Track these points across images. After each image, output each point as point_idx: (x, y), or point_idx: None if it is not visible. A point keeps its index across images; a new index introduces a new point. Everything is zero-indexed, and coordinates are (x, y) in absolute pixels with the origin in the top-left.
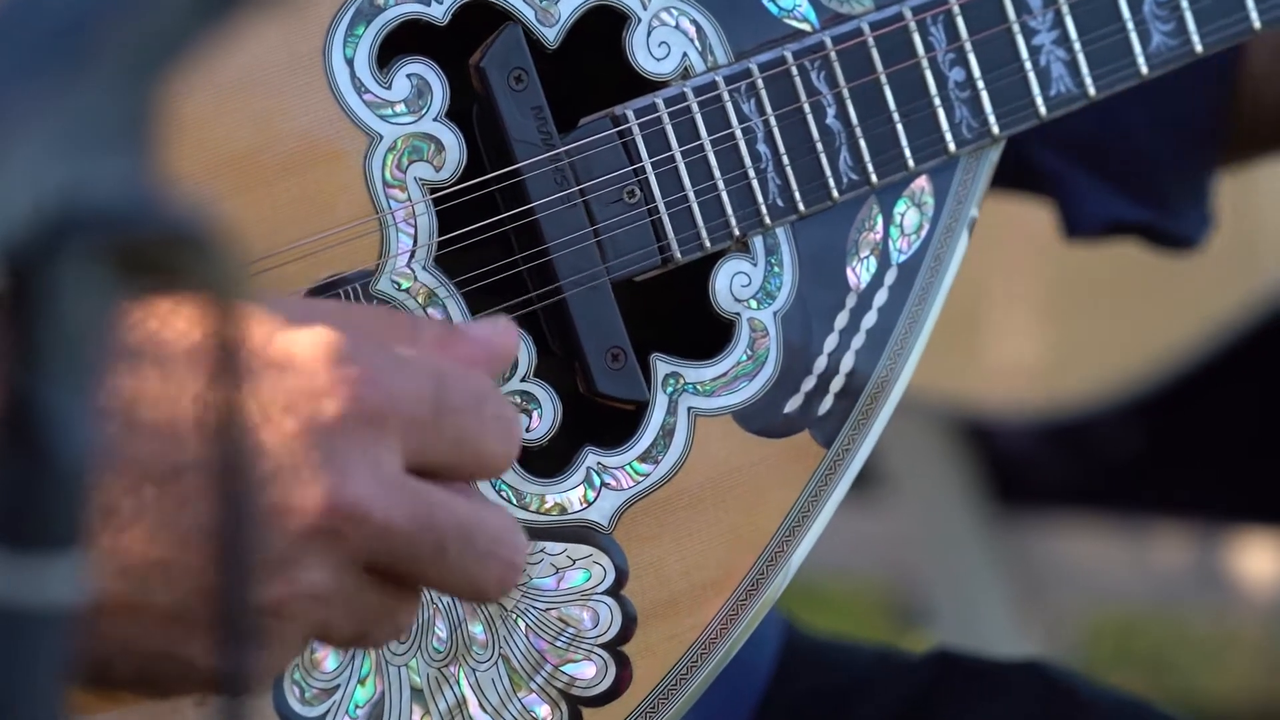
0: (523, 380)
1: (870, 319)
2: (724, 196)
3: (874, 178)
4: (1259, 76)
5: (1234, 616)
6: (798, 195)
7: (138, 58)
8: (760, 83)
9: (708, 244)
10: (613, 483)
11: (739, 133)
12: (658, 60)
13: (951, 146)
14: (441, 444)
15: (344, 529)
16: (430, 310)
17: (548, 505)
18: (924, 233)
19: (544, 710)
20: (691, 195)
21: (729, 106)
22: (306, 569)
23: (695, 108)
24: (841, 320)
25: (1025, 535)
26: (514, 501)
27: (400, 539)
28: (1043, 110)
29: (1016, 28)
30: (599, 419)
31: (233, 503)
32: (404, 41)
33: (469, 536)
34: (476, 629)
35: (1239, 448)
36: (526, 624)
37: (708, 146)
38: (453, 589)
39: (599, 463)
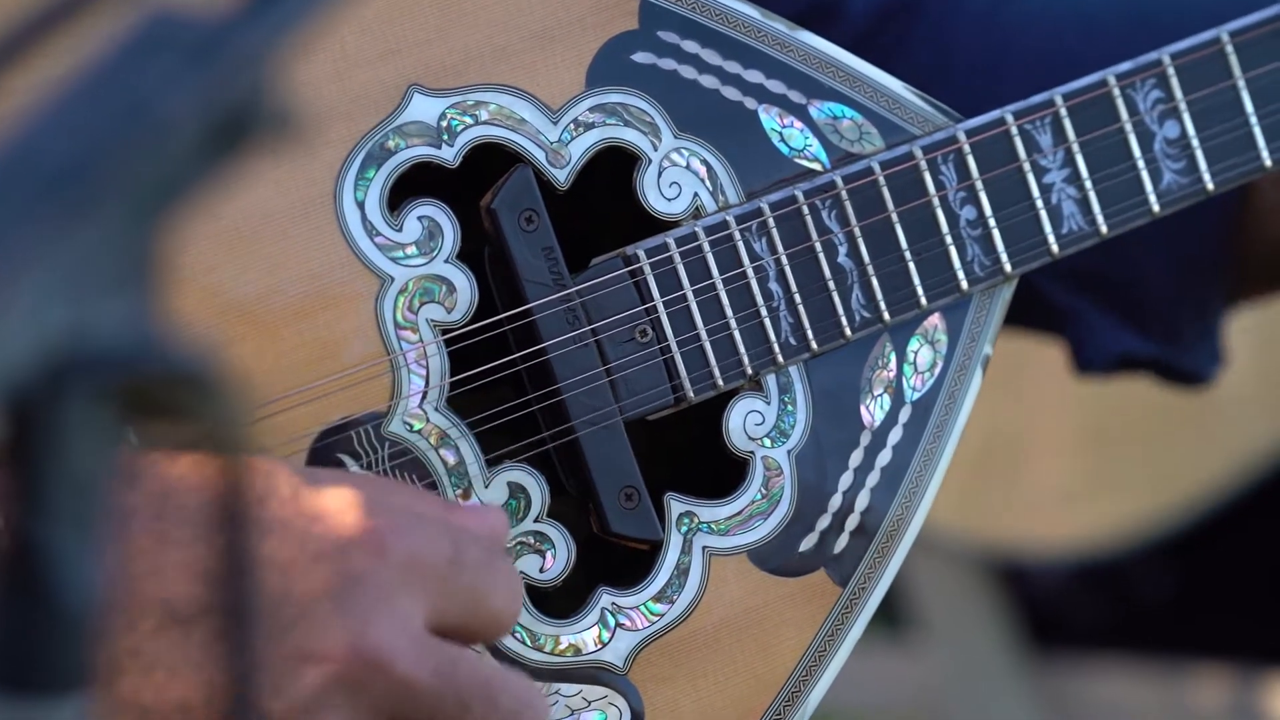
0: (536, 520)
1: (885, 457)
2: (736, 335)
3: (886, 316)
4: (1264, 210)
5: None
6: (810, 334)
7: (141, 200)
8: (771, 222)
9: (721, 383)
10: (627, 623)
11: (751, 271)
12: (669, 200)
13: (964, 284)
14: (457, 600)
15: (365, 678)
16: (443, 451)
17: (562, 646)
18: (938, 370)
19: None
20: (704, 334)
21: (740, 245)
22: (327, 718)
23: (707, 247)
24: (856, 458)
25: (1060, 677)
26: (528, 642)
27: (423, 695)
28: (1055, 248)
29: (1027, 166)
30: (613, 559)
31: (241, 645)
32: (415, 183)
33: (493, 698)
34: None
35: (1275, 586)
36: None
37: (719, 285)
38: None
39: (614, 603)
